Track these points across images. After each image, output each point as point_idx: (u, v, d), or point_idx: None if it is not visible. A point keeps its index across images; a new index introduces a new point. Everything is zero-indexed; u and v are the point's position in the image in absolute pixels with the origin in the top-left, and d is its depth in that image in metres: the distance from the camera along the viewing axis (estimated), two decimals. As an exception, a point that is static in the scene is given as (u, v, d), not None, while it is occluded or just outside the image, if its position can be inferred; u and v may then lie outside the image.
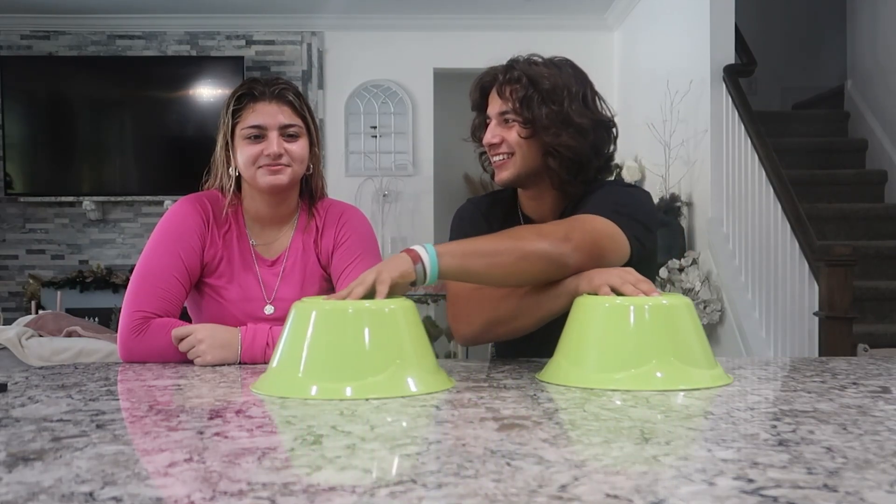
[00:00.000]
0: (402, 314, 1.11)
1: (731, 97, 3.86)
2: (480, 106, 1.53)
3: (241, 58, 5.54)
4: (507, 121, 1.45)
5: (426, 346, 1.14)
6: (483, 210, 1.59)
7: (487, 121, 1.50)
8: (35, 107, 5.55)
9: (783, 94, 5.97)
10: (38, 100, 5.54)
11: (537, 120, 1.42)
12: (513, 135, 1.45)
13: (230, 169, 1.53)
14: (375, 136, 5.69)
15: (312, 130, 1.55)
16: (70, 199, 5.53)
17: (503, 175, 1.48)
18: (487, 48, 5.75)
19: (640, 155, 4.85)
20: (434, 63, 5.71)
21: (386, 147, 5.70)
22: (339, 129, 5.67)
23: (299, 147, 1.51)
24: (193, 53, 5.64)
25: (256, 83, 1.52)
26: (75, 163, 5.55)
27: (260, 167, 1.49)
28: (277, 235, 1.57)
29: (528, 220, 1.57)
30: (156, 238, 1.52)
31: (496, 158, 1.48)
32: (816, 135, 4.97)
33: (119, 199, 5.56)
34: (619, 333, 1.15)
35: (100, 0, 5.30)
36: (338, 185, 5.56)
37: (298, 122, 1.52)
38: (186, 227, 1.51)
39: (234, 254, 1.55)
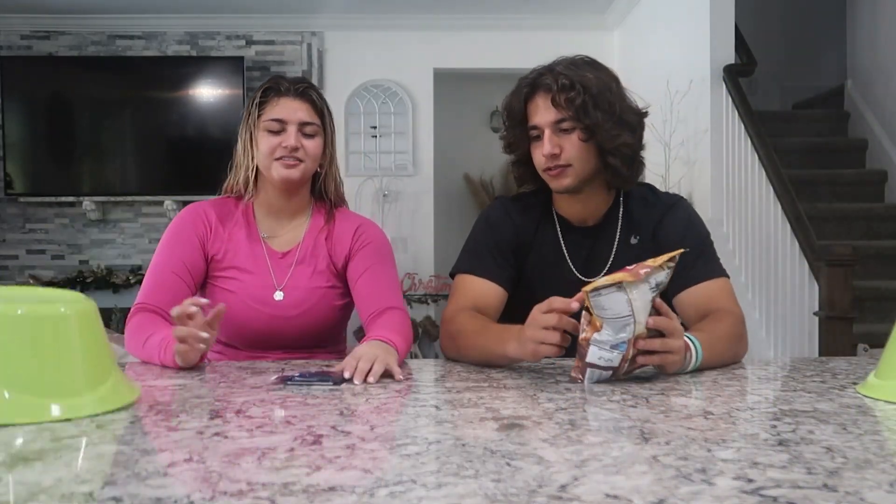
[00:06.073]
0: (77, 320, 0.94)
1: (731, 97, 3.85)
2: (521, 117, 1.49)
3: (241, 58, 5.53)
4: (563, 130, 1.45)
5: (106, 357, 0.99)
6: (514, 213, 1.59)
7: (533, 132, 1.48)
8: (35, 107, 5.55)
9: (783, 94, 5.96)
10: (38, 100, 5.53)
11: (596, 125, 1.43)
12: (572, 142, 1.45)
13: (251, 160, 1.61)
14: (375, 136, 5.68)
15: (329, 132, 1.63)
16: (70, 199, 5.52)
17: (565, 183, 1.48)
18: (487, 48, 5.83)
19: (639, 155, 4.85)
20: (434, 63, 5.71)
21: (386, 147, 5.70)
22: (339, 129, 5.65)
23: (314, 145, 1.59)
24: (193, 53, 5.64)
25: (282, 80, 1.61)
26: (75, 163, 5.54)
27: (276, 159, 1.56)
28: (289, 227, 1.65)
29: (565, 223, 1.58)
30: (160, 244, 1.62)
31: (556, 169, 1.47)
32: (816, 135, 4.97)
33: (119, 199, 5.55)
34: None
35: (100, 0, 5.30)
36: (338, 184, 5.57)
37: (317, 121, 1.60)
38: (185, 229, 1.61)
39: (243, 246, 1.62)
